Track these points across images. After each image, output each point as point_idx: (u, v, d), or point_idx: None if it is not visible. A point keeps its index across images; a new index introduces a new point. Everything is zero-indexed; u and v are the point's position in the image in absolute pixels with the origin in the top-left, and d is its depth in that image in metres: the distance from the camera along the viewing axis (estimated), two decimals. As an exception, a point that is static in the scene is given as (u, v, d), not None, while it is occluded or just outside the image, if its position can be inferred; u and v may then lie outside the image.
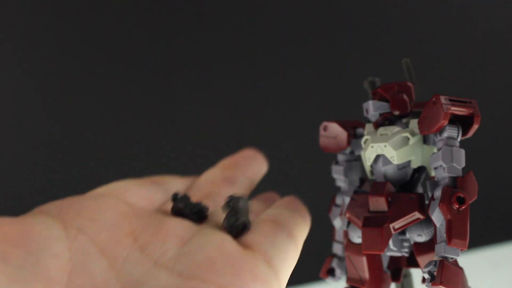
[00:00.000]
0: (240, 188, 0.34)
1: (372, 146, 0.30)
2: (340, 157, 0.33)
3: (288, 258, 0.27)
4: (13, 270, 0.21)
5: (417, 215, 0.28)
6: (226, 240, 0.25)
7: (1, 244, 0.21)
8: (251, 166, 0.36)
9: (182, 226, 0.26)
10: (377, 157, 0.30)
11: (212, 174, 0.34)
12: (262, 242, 0.26)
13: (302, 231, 0.29)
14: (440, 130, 0.28)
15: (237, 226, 0.26)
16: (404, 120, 0.31)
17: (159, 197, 0.30)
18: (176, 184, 0.33)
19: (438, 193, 0.27)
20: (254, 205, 0.32)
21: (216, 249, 0.24)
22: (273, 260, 0.25)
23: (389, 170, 0.29)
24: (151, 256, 0.24)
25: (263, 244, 0.26)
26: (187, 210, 0.28)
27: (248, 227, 0.27)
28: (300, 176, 0.62)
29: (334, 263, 0.33)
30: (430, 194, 0.28)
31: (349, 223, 0.31)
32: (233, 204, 0.26)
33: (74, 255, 0.22)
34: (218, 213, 0.29)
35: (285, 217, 0.29)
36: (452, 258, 0.26)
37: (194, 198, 0.32)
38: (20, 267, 0.21)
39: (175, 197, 0.28)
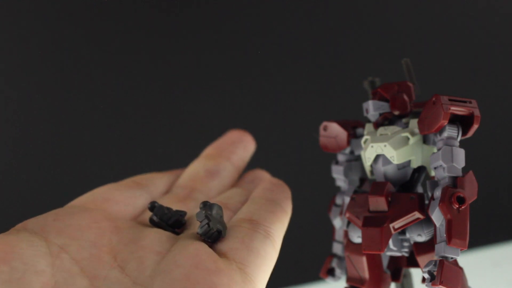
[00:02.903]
0: (225, 178, 0.34)
1: (372, 146, 0.30)
2: (340, 157, 0.33)
3: (265, 262, 0.27)
4: (0, 284, 0.21)
5: (417, 215, 0.28)
6: (201, 251, 0.25)
7: None
8: (236, 150, 0.36)
9: (159, 240, 0.26)
10: (377, 157, 0.30)
11: (194, 168, 0.34)
12: (237, 248, 0.26)
13: (280, 226, 0.29)
14: (440, 130, 0.28)
15: (211, 234, 0.26)
16: (404, 120, 0.31)
17: (141, 202, 0.31)
18: (160, 183, 0.33)
19: (438, 193, 0.27)
20: (236, 197, 0.32)
21: (191, 263, 0.24)
22: (249, 267, 0.26)
23: (389, 170, 0.30)
24: (130, 275, 0.24)
25: (239, 251, 0.26)
26: (163, 223, 0.28)
27: (222, 233, 0.27)
28: (300, 176, 0.62)
29: (334, 263, 0.33)
30: (430, 194, 0.28)
31: (349, 223, 0.31)
32: (205, 213, 0.27)
33: (56, 273, 0.23)
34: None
35: (263, 214, 0.29)
36: (452, 258, 0.26)
37: (176, 198, 0.32)
38: (7, 282, 0.21)
39: (152, 208, 0.28)
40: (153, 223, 0.28)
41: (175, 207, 0.31)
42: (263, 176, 0.35)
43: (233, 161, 0.35)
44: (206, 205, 0.27)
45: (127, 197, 0.30)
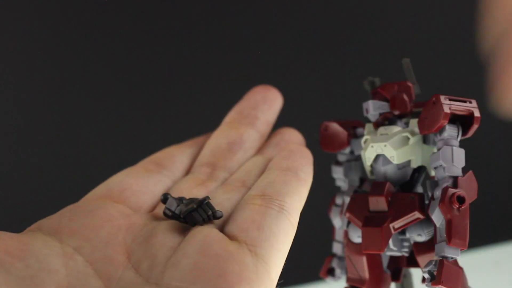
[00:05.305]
0: (249, 148, 0.32)
1: (372, 146, 0.30)
2: (340, 157, 0.33)
3: (280, 240, 0.25)
4: (14, 280, 0.21)
5: (417, 214, 0.28)
6: (210, 238, 0.24)
7: (3, 255, 0.22)
8: (260, 115, 0.33)
9: (172, 234, 0.25)
10: (377, 156, 0.30)
11: (216, 140, 0.32)
12: (248, 228, 0.25)
13: (297, 198, 0.27)
14: (440, 130, 0.28)
15: (208, 218, 0.26)
16: (404, 120, 0.31)
17: (160, 187, 0.30)
18: (181, 160, 0.32)
19: (438, 193, 0.27)
20: (254, 170, 0.30)
21: (199, 252, 0.23)
22: (261, 248, 0.24)
23: (389, 170, 0.30)
24: (143, 275, 0.23)
25: (250, 231, 0.25)
26: (176, 217, 0.27)
27: (217, 215, 0.26)
28: (300, 176, 0.62)
29: (334, 263, 0.33)
30: (430, 194, 0.28)
31: (349, 223, 0.31)
32: (193, 205, 0.26)
33: (70, 273, 0.23)
34: (214, 200, 0.28)
35: (276, 186, 0.27)
36: (452, 258, 0.26)
37: (197, 180, 0.30)
38: (20, 279, 0.21)
39: (164, 200, 0.28)
40: (167, 216, 0.28)
41: (195, 191, 0.29)
42: (290, 137, 0.33)
43: (257, 127, 0.33)
44: (193, 201, 0.27)
45: (145, 185, 0.29)
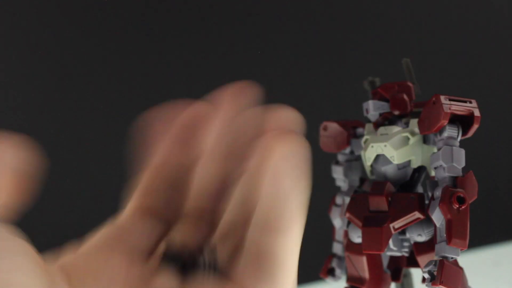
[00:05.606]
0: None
1: (372, 146, 0.30)
2: (340, 157, 0.33)
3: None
4: None
5: (417, 215, 0.28)
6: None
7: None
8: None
9: (171, 283, 0.25)
10: (377, 156, 0.30)
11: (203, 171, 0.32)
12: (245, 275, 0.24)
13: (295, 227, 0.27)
14: (440, 130, 0.28)
15: (209, 266, 0.26)
16: (404, 120, 0.31)
17: (156, 233, 0.30)
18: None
19: (438, 193, 0.27)
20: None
21: None
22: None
23: (389, 169, 0.29)
24: None
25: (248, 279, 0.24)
26: (175, 265, 0.27)
27: (217, 264, 0.26)
28: (300, 176, 0.62)
29: (334, 263, 0.33)
30: (430, 194, 0.28)
31: (349, 223, 0.31)
32: (192, 254, 0.26)
33: None
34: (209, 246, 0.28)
35: (267, 242, 0.26)
36: (452, 258, 0.26)
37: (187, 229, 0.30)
38: None
39: (164, 249, 0.27)
40: (166, 264, 0.27)
41: (188, 239, 0.29)
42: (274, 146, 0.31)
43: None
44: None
45: (142, 231, 0.29)
